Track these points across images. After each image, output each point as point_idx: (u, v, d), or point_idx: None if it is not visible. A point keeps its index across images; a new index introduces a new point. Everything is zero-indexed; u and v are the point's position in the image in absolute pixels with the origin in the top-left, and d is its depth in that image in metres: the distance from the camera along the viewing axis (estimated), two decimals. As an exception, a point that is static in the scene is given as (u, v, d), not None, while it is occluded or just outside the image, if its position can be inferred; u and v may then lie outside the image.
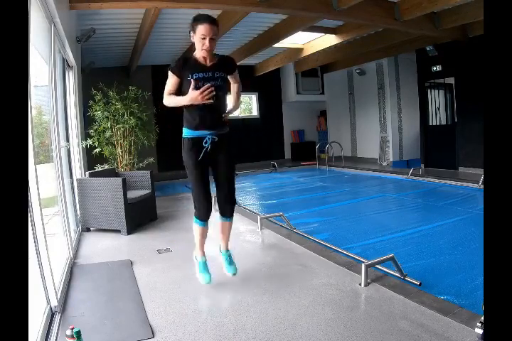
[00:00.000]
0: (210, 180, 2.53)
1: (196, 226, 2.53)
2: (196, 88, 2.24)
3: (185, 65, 2.34)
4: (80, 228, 4.09)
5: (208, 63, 2.36)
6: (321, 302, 2.27)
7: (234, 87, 2.63)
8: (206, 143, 2.38)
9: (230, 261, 2.62)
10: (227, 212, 2.56)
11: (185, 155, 2.43)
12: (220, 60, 2.43)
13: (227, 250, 2.67)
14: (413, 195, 6.11)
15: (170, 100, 2.37)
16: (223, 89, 2.40)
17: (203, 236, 2.57)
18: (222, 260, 2.67)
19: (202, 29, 2.22)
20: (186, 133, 2.42)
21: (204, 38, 2.23)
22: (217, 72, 2.35)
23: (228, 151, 2.48)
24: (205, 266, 2.58)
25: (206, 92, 2.20)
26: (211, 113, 2.36)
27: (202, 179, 2.42)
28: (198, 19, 2.26)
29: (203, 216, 2.47)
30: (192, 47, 2.47)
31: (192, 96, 2.23)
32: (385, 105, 9.24)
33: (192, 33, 2.29)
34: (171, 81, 2.37)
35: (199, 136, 2.39)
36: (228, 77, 2.48)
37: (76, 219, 4.17)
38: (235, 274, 2.55)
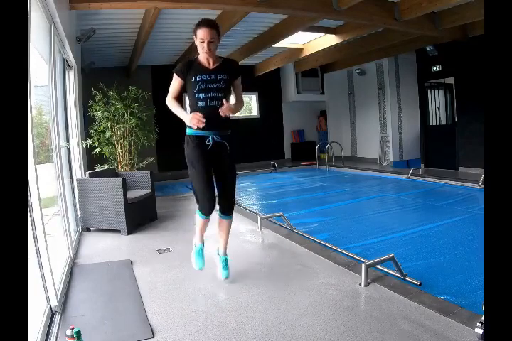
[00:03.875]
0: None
1: (198, 218, 2.62)
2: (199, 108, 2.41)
3: (190, 68, 2.43)
4: (80, 228, 4.09)
5: (211, 66, 2.45)
6: (321, 302, 2.27)
7: (236, 96, 2.60)
8: (209, 141, 2.45)
9: (225, 266, 2.66)
10: (227, 211, 2.62)
11: (190, 151, 2.48)
12: (223, 62, 2.50)
13: (225, 254, 2.72)
14: (413, 195, 6.10)
15: (173, 107, 2.49)
16: (226, 91, 2.46)
17: (204, 226, 2.67)
18: (217, 262, 2.72)
19: (201, 33, 2.33)
20: (190, 131, 2.48)
21: (203, 42, 2.33)
22: (220, 74, 2.43)
23: (230, 152, 2.54)
24: (201, 252, 2.70)
25: (199, 121, 2.30)
26: (214, 114, 2.38)
27: (206, 174, 2.47)
28: (198, 24, 2.36)
29: (206, 211, 2.54)
30: (192, 47, 2.51)
31: (190, 119, 2.34)
32: (385, 105, 9.24)
33: (195, 38, 2.40)
34: (176, 83, 2.49)
35: (203, 135, 2.45)
36: (231, 85, 2.52)
37: (76, 219, 4.17)
38: (227, 278, 2.61)
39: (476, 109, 6.58)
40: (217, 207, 2.64)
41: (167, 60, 8.58)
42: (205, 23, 2.34)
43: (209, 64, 2.45)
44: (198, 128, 2.41)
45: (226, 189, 2.59)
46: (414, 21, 5.58)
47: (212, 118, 2.38)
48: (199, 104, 2.41)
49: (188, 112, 2.47)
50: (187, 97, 2.53)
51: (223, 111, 2.34)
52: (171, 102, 2.50)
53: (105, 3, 4.08)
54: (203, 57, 2.43)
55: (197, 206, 2.59)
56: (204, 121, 2.31)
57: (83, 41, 4.97)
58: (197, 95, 2.41)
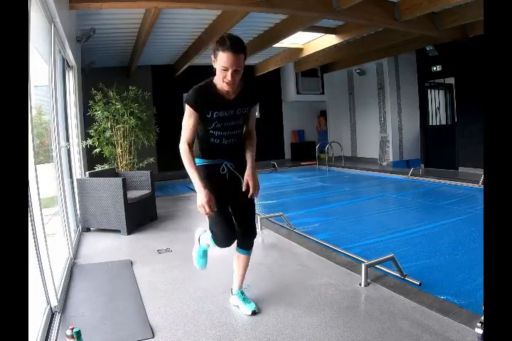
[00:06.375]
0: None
1: (211, 244, 2.18)
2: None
3: (205, 97, 1.94)
4: (80, 228, 4.09)
5: (231, 95, 1.98)
6: (321, 302, 2.27)
7: (249, 133, 2.15)
8: (224, 170, 2.08)
9: (246, 299, 2.25)
10: (246, 245, 2.22)
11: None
12: (244, 89, 2.02)
13: (241, 288, 2.30)
14: (413, 195, 6.10)
15: (188, 164, 1.95)
16: (243, 127, 2.12)
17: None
18: (236, 301, 2.28)
19: (223, 59, 1.80)
20: (199, 161, 2.08)
21: (226, 70, 1.82)
22: (240, 108, 2.01)
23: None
24: (206, 253, 2.32)
25: (207, 211, 1.91)
26: (227, 149, 2.09)
27: (222, 204, 2.07)
28: (222, 44, 1.80)
29: (227, 243, 2.11)
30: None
31: (199, 200, 1.92)
32: (385, 105, 9.24)
33: (213, 58, 1.86)
34: (192, 121, 1.95)
35: (215, 163, 2.09)
36: None
37: (76, 219, 4.17)
38: (255, 311, 2.17)
39: (476, 109, 6.57)
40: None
41: (167, 60, 8.58)
42: (231, 46, 1.78)
43: (228, 93, 1.97)
44: (211, 158, 2.08)
45: (245, 220, 2.17)
46: (414, 21, 5.58)
47: (227, 152, 2.09)
48: (212, 140, 2.03)
49: (198, 142, 2.09)
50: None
51: (254, 194, 2.06)
52: (187, 154, 1.94)
53: (105, 3, 4.08)
54: (221, 85, 1.91)
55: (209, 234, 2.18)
56: (214, 210, 1.94)
57: (83, 41, 4.96)
58: (211, 131, 2.00)
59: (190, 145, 1.97)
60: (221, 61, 1.80)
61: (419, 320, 2.00)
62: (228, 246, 2.13)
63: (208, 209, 1.90)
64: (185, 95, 2.02)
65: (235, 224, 2.12)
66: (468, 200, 5.42)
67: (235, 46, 1.79)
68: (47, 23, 3.04)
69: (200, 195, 1.91)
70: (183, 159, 1.96)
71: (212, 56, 1.86)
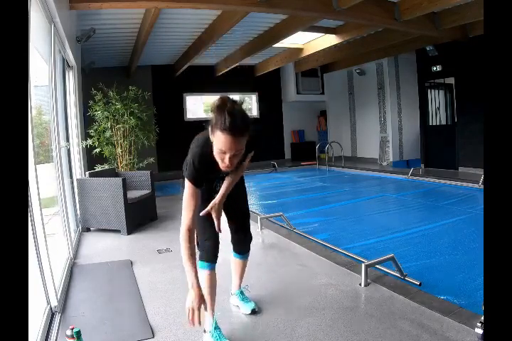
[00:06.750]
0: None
1: (203, 273, 1.89)
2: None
3: (205, 169, 1.72)
4: (80, 228, 4.10)
5: None
6: (321, 302, 2.27)
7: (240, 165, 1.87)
8: (217, 187, 1.97)
9: (245, 298, 2.25)
10: (242, 248, 2.14)
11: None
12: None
13: (240, 287, 2.31)
14: (413, 195, 6.10)
15: (187, 258, 1.67)
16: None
17: (213, 284, 1.93)
18: (235, 300, 2.29)
19: (221, 141, 1.51)
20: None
21: (224, 153, 1.55)
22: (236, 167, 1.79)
23: (240, 182, 2.07)
24: (219, 330, 1.92)
25: (192, 322, 1.65)
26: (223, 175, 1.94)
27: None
28: (221, 122, 1.47)
29: (212, 255, 1.92)
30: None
31: (190, 301, 1.64)
32: (385, 105, 9.24)
33: (210, 130, 1.56)
34: (193, 202, 1.70)
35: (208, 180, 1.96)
36: None
37: (76, 219, 4.17)
38: (254, 309, 2.18)
39: (476, 109, 6.57)
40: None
41: (167, 60, 8.58)
42: (232, 127, 1.46)
43: None
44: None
45: (239, 221, 2.10)
46: (414, 21, 5.58)
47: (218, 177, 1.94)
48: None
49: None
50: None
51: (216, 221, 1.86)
52: (186, 245, 1.68)
53: (105, 3, 4.08)
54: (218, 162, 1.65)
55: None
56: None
57: (83, 41, 4.96)
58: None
59: (192, 232, 1.71)
60: (218, 142, 1.52)
61: (419, 320, 2.00)
62: (215, 259, 1.93)
63: (196, 319, 1.62)
64: (191, 148, 1.75)
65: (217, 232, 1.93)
66: (468, 200, 5.42)
67: (236, 128, 1.47)
68: (47, 23, 3.05)
69: (192, 297, 1.62)
70: (181, 250, 1.69)
71: (210, 128, 1.55)
